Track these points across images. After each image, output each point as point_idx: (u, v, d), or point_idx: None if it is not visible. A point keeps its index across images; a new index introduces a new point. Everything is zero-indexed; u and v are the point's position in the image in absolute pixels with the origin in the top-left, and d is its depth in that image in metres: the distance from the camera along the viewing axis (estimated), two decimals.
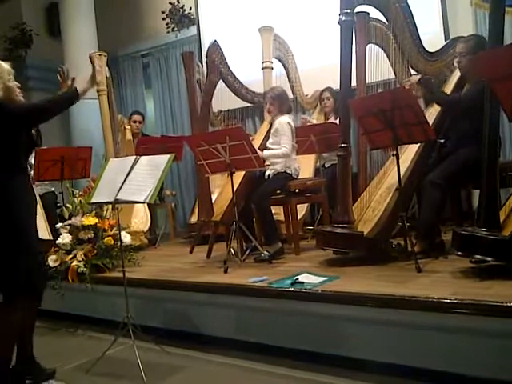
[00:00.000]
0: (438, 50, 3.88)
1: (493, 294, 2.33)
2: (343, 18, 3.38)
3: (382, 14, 3.76)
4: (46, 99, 2.90)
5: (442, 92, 3.63)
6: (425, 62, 3.82)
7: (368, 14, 3.88)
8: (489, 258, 2.63)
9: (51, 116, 2.88)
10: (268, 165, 4.06)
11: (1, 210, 2.59)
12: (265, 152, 3.96)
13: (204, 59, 4.69)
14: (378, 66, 3.94)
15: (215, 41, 4.34)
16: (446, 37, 4.83)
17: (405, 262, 3.19)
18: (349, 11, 3.39)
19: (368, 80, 4.05)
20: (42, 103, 2.87)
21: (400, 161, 3.17)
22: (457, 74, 3.73)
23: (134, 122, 5.96)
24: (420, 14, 3.97)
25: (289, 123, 3.97)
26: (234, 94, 4.50)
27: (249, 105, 5.08)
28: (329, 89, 5.11)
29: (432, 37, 4.67)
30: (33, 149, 3.04)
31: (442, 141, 3.62)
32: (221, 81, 4.49)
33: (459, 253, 2.77)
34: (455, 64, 3.63)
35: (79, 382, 2.88)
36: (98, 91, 5.58)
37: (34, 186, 4.96)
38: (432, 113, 3.64)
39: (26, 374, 2.83)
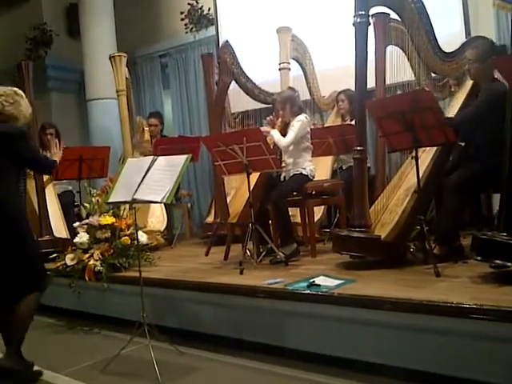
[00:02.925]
0: (455, 51, 3.82)
1: None
2: (358, 20, 3.35)
3: (398, 14, 3.72)
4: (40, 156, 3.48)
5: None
6: (441, 63, 3.77)
7: (388, 15, 3.84)
8: (509, 264, 2.58)
9: (35, 169, 3.67)
10: (284, 167, 4.05)
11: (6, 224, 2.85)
12: (273, 131, 4.01)
13: None
14: (398, 68, 3.90)
15: (227, 41, 4.33)
16: (467, 38, 4.77)
17: (423, 266, 3.16)
18: (363, 13, 3.36)
19: (387, 81, 4.01)
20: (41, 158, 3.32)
21: (418, 163, 3.13)
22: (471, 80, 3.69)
23: (150, 125, 5.99)
24: (441, 15, 3.94)
25: (302, 121, 3.96)
26: (247, 94, 4.48)
27: (266, 106, 5.07)
28: (345, 91, 5.07)
29: (453, 38, 4.59)
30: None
31: (463, 144, 3.57)
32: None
33: (479, 258, 2.73)
34: (467, 68, 3.59)
35: (94, 380, 2.89)
36: (117, 91, 5.63)
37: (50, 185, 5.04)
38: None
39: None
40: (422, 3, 3.64)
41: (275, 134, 4.01)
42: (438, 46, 3.73)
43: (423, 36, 3.69)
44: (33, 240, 3.05)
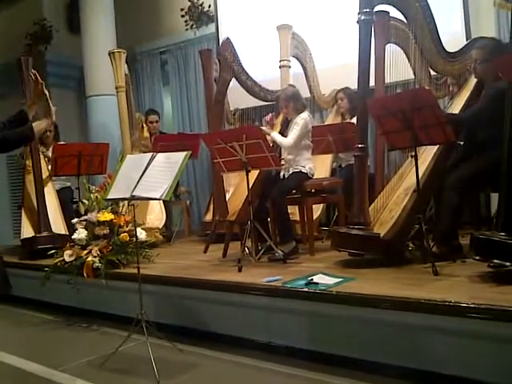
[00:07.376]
0: (458, 51, 3.81)
1: (510, 299, 2.29)
2: (362, 17, 3.34)
3: (402, 13, 3.70)
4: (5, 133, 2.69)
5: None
6: (444, 63, 3.77)
7: (388, 13, 3.83)
8: (507, 263, 2.58)
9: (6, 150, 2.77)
10: (283, 164, 4.05)
11: None
12: (274, 133, 4.02)
13: None
14: (398, 66, 3.90)
15: (228, 38, 4.30)
16: (468, 37, 4.76)
17: (421, 264, 3.16)
18: (368, 10, 3.35)
19: (387, 80, 4.00)
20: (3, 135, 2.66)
21: (418, 162, 3.13)
22: (474, 79, 3.68)
23: (151, 122, 5.99)
24: (442, 14, 3.92)
25: (305, 119, 3.96)
26: (247, 91, 4.47)
27: (266, 103, 5.06)
28: (344, 89, 5.07)
29: (453, 37, 4.60)
30: None
31: (462, 143, 3.57)
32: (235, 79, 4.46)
33: (477, 257, 2.73)
34: (472, 68, 3.58)
35: (92, 377, 2.89)
36: (116, 88, 5.62)
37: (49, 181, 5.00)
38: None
39: None
40: (427, 2, 3.63)
41: (276, 136, 4.00)
42: (442, 45, 3.73)
43: (427, 35, 3.68)
44: None
